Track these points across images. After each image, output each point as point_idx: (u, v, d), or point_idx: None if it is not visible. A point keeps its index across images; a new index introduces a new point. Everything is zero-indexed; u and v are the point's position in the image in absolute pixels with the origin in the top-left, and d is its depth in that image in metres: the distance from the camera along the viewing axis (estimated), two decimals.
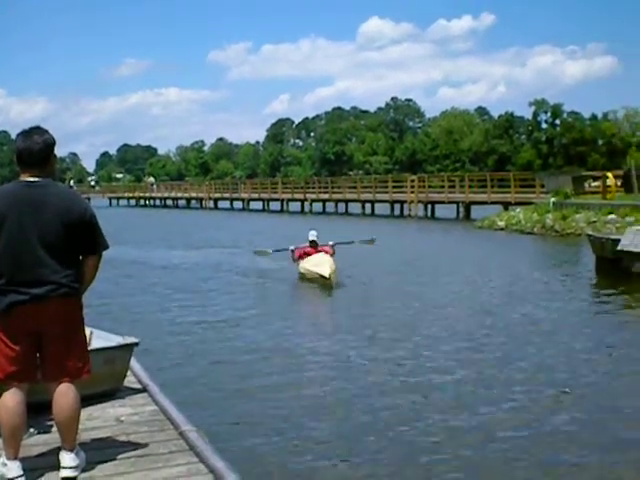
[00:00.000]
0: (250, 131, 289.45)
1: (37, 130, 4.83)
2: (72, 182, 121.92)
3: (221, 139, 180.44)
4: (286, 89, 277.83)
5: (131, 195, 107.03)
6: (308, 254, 19.68)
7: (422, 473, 6.75)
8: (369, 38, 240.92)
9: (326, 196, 68.18)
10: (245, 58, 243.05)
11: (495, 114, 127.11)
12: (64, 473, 4.67)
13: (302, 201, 69.67)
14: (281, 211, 69.89)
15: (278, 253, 21.20)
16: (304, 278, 19.20)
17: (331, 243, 20.22)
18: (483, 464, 6.94)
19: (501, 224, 39.24)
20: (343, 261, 19.88)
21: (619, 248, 19.23)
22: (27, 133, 4.80)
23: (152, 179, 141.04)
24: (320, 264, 18.48)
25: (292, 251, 20.19)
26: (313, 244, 19.90)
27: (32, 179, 4.71)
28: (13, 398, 4.60)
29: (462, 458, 7.01)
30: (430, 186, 58.47)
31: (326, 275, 17.80)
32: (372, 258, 23.21)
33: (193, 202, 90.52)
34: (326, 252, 19.57)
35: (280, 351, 11.57)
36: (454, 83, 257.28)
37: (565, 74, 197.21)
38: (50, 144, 4.80)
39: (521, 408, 8.59)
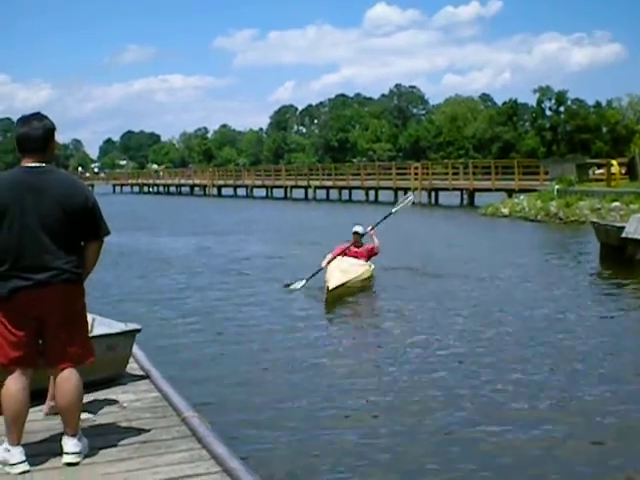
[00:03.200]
0: (255, 118, 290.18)
1: (36, 116, 4.84)
2: (80, 169, 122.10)
3: (224, 126, 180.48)
4: (292, 76, 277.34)
5: (135, 182, 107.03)
6: (346, 252, 16.25)
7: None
8: (375, 24, 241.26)
9: (330, 183, 68.07)
10: (251, 45, 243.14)
11: (500, 101, 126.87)
12: (67, 459, 4.68)
13: (305, 188, 69.63)
14: (285, 198, 69.80)
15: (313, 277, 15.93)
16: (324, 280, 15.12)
17: (370, 228, 16.73)
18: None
19: (505, 211, 39.17)
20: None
21: (623, 235, 19.20)
22: (26, 119, 4.81)
23: (155, 166, 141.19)
24: (342, 272, 15.00)
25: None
26: (355, 237, 16.50)
27: (32, 165, 4.71)
28: (16, 384, 4.61)
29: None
30: (434, 173, 58.46)
31: (329, 286, 14.35)
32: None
33: (196, 189, 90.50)
34: (365, 254, 16.38)
35: (288, 339, 11.49)
36: (459, 70, 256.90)
37: (571, 61, 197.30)
38: (49, 129, 4.79)
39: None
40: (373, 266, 16.45)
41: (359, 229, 16.57)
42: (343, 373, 9.53)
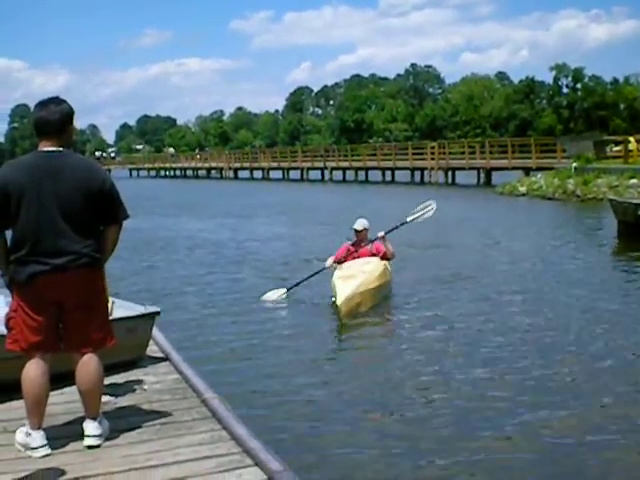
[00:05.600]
0: (271, 100, 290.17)
1: (54, 100, 4.84)
2: (97, 154, 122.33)
3: (240, 108, 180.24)
4: (308, 57, 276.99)
5: (151, 166, 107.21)
6: (348, 256, 13.06)
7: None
8: (391, 4, 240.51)
9: (346, 164, 67.96)
10: (267, 26, 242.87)
11: (518, 79, 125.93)
12: (88, 441, 4.71)
13: (322, 169, 69.63)
14: (301, 180, 69.79)
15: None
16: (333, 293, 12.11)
17: (381, 234, 13.22)
18: None
19: (522, 190, 39.03)
20: None
21: None
22: (44, 103, 4.80)
23: (172, 150, 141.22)
24: (348, 280, 11.92)
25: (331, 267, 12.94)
26: (359, 236, 13.23)
27: (49, 149, 4.70)
28: (36, 368, 4.63)
29: None
30: (450, 152, 58.32)
31: (338, 302, 11.38)
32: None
33: (213, 172, 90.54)
34: (374, 254, 13.07)
35: (305, 324, 11.44)
36: (476, 48, 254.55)
37: (589, 38, 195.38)
38: (66, 114, 4.78)
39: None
40: (385, 262, 13.11)
41: (359, 225, 13.18)
42: (374, 364, 9.53)
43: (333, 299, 11.76)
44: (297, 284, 13.06)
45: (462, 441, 6.52)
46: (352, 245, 13.21)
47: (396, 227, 13.75)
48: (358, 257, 12.94)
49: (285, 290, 12.98)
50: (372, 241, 13.15)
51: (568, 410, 7.25)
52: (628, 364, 8.90)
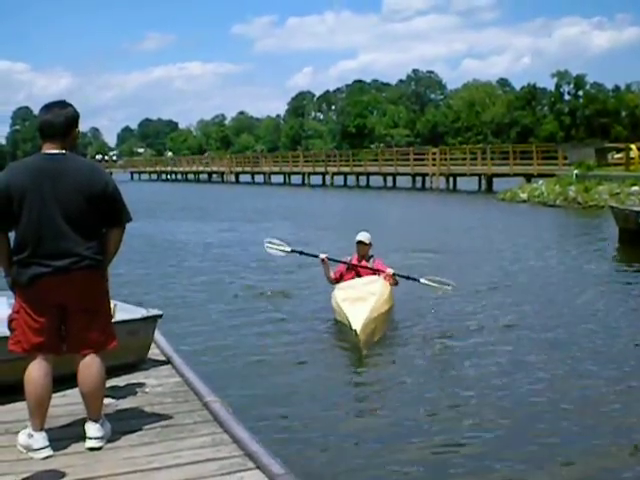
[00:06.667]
0: (273, 104, 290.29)
1: (60, 103, 4.87)
2: (99, 157, 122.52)
3: (242, 113, 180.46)
4: (310, 62, 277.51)
5: (153, 170, 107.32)
6: (347, 273, 11.81)
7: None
8: (394, 10, 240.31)
9: (347, 169, 68.02)
10: (270, 31, 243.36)
11: (520, 86, 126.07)
12: (89, 443, 4.72)
13: (323, 174, 69.70)
14: (302, 184, 69.86)
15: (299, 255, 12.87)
16: (336, 316, 11.17)
17: (390, 272, 11.60)
18: None
19: (523, 196, 39.04)
20: None
21: None
22: (49, 106, 4.83)
23: (170, 154, 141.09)
24: (357, 303, 10.52)
25: (323, 261, 11.96)
26: (363, 249, 11.76)
27: (53, 152, 4.72)
28: (39, 370, 4.64)
29: None
30: (452, 158, 58.31)
31: (356, 328, 9.78)
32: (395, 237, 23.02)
33: (214, 176, 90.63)
34: (379, 271, 11.59)
35: (311, 326, 11.37)
36: (478, 54, 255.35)
37: (592, 45, 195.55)
38: (71, 117, 4.80)
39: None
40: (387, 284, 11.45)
41: (365, 238, 11.77)
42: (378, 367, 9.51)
43: (335, 318, 10.95)
44: (301, 253, 12.54)
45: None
46: (355, 259, 11.80)
47: (407, 277, 11.83)
48: (358, 275, 11.62)
49: (290, 250, 12.56)
50: (371, 256, 11.88)
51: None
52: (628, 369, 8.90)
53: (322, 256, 11.93)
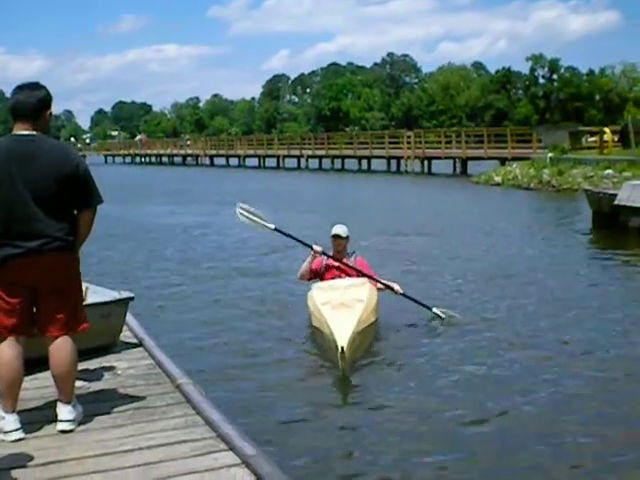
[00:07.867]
0: (248, 87, 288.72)
1: (32, 85, 4.85)
2: (72, 140, 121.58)
3: (216, 95, 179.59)
4: (286, 45, 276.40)
5: (127, 152, 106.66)
6: (327, 271, 10.12)
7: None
8: None
9: (322, 152, 67.89)
10: (247, 13, 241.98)
11: (495, 69, 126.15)
12: (61, 426, 4.71)
13: (298, 157, 69.59)
14: (277, 167, 69.74)
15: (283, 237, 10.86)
16: (314, 321, 9.36)
17: (397, 289, 10.19)
18: None
19: (498, 179, 39.20)
20: None
21: (616, 203, 19.22)
22: (22, 87, 4.82)
23: (140, 136, 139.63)
24: (340, 310, 8.67)
25: (314, 254, 10.14)
26: (341, 244, 10.07)
27: (23, 132, 4.70)
28: (10, 351, 4.63)
29: None
30: (427, 142, 58.29)
31: (341, 345, 7.86)
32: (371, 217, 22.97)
33: (189, 159, 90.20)
34: (359, 272, 9.96)
35: (282, 306, 11.34)
36: (455, 38, 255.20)
37: (567, 29, 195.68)
38: (43, 98, 4.78)
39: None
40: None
41: (341, 231, 10.08)
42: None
43: (334, 341, 8.05)
44: (288, 235, 10.46)
45: None
46: (330, 257, 10.09)
47: (416, 301, 10.30)
48: (341, 274, 10.01)
49: (272, 227, 10.34)
50: (353, 253, 10.33)
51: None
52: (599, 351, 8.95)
53: (317, 248, 10.07)
